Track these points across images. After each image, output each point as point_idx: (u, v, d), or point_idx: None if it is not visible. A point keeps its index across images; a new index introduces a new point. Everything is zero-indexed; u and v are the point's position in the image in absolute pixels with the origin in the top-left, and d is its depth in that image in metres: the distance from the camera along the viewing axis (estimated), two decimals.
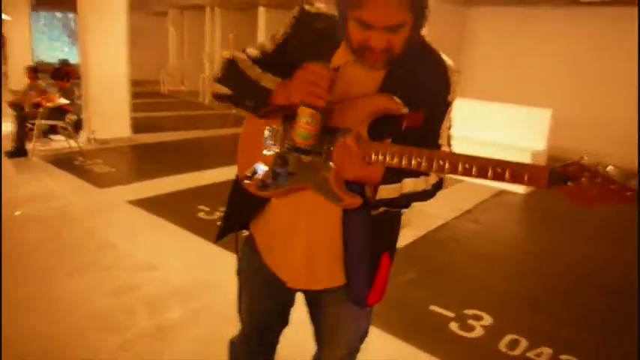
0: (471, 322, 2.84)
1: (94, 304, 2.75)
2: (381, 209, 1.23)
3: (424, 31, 1.17)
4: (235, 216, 1.40)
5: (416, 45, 1.15)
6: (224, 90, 1.25)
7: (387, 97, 1.14)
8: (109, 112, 7.14)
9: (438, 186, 1.25)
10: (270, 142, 1.25)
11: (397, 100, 1.13)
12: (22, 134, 5.94)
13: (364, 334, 1.46)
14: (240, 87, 1.22)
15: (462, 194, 5.59)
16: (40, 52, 16.10)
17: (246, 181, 1.28)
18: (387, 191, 1.17)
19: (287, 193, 1.25)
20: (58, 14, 17.26)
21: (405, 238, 4.07)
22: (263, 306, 1.46)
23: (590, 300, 3.33)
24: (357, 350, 1.48)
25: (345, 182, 1.17)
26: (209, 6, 12.95)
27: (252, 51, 1.27)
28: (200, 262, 3.34)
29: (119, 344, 2.38)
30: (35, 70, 7.34)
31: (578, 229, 4.88)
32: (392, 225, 1.36)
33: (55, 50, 16.74)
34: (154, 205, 4.39)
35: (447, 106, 1.21)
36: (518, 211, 5.45)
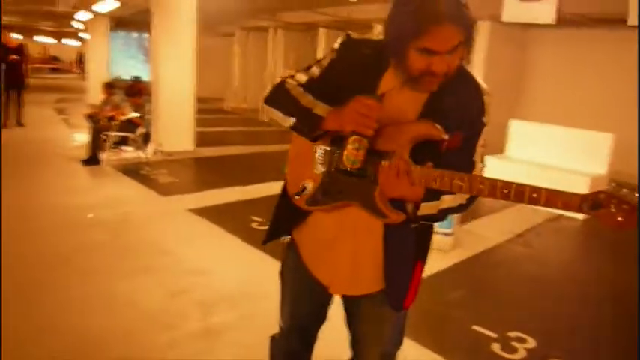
0: (514, 343, 2.81)
1: (149, 303, 2.95)
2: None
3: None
4: (281, 224, 1.53)
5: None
6: (278, 114, 1.37)
7: (429, 124, 1.23)
8: (175, 127, 7.57)
9: (473, 199, 1.32)
10: (320, 161, 1.36)
11: (438, 127, 1.22)
12: (97, 144, 6.41)
13: (399, 341, 1.54)
14: (294, 113, 1.33)
15: (516, 218, 5.48)
16: (118, 68, 17.42)
17: (296, 197, 1.40)
18: (427, 208, 1.28)
19: (333, 209, 1.37)
20: (135, 34, 18.61)
21: (455, 258, 4.06)
22: (304, 307, 1.58)
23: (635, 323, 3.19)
24: (392, 355, 1.55)
25: (389, 200, 1.27)
26: (272, 28, 13.44)
27: (301, 76, 1.39)
28: (251, 270, 3.50)
29: (168, 343, 2.55)
30: (111, 86, 7.91)
31: (634, 257, 4.65)
32: (426, 235, 1.45)
33: (130, 67, 18.06)
34: (211, 214, 4.63)
35: (482, 126, 1.30)
36: (573, 237, 5.26)
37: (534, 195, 1.10)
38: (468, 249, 4.29)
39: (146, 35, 17.68)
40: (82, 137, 8.13)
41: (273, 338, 1.69)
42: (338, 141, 1.31)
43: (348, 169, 1.28)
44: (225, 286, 3.23)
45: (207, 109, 13.84)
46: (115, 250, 3.72)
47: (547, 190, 1.09)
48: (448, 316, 3.14)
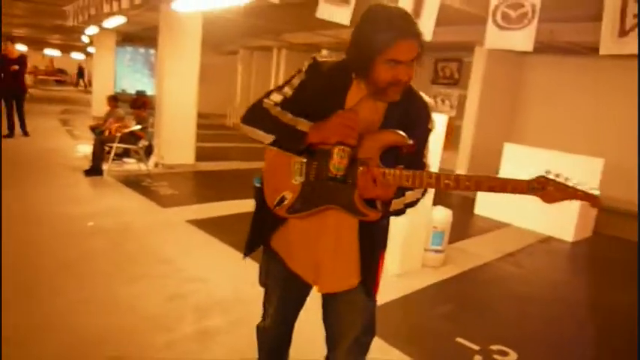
0: (495, 356, 2.91)
1: (147, 308, 3.06)
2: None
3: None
4: (258, 235, 1.71)
5: None
6: (258, 133, 1.54)
7: (397, 133, 1.43)
8: (176, 140, 7.74)
9: (425, 192, 1.58)
10: (298, 172, 1.53)
11: (403, 134, 1.42)
12: (100, 155, 6.56)
13: (373, 330, 1.70)
14: (276, 130, 1.50)
15: (508, 238, 5.62)
16: (124, 82, 18.25)
17: (277, 207, 1.56)
18: (396, 204, 1.49)
19: (311, 215, 1.54)
20: (141, 50, 19.07)
21: (444, 274, 4.18)
22: (289, 302, 1.78)
23: (620, 346, 3.29)
24: (367, 344, 1.70)
25: (365, 200, 1.46)
26: (277, 47, 13.71)
27: (276, 96, 1.56)
28: (244, 278, 3.59)
29: (165, 343, 2.66)
30: (115, 99, 8.11)
31: (620, 278, 4.78)
32: (387, 229, 1.68)
33: (136, 81, 18.77)
34: (209, 225, 4.76)
35: (429, 132, 1.54)
36: (563, 258, 5.37)
37: (491, 184, 1.35)
38: (458, 266, 4.41)
39: (152, 51, 18.09)
40: (85, 148, 8.31)
41: (258, 327, 1.89)
42: (313, 153, 1.49)
43: (334, 175, 1.44)
44: (219, 292, 3.35)
45: (210, 125, 14.06)
46: (116, 258, 3.83)
47: (501, 178, 1.36)
48: (434, 328, 3.24)
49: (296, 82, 1.55)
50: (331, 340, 1.71)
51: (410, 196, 1.51)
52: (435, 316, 3.43)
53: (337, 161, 1.43)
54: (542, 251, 5.37)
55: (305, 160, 1.51)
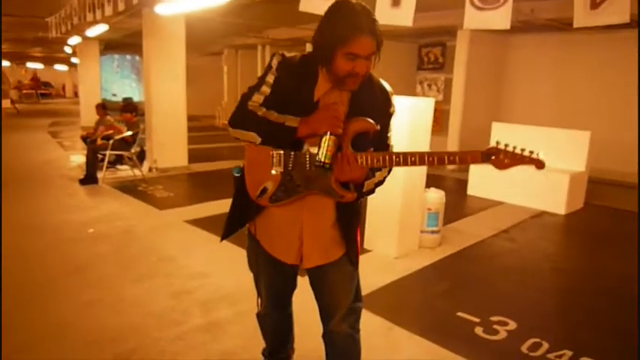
0: (495, 327, 3.02)
1: (155, 304, 3.14)
2: None
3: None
4: (236, 220, 1.83)
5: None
6: (247, 134, 1.62)
7: (365, 120, 1.58)
8: (168, 144, 7.80)
9: (390, 171, 1.73)
10: (276, 164, 1.64)
11: (372, 121, 1.57)
12: (93, 164, 6.60)
13: (360, 297, 1.87)
14: (266, 130, 1.59)
15: (501, 215, 5.73)
16: (113, 88, 19.32)
17: (259, 198, 1.67)
18: (368, 185, 1.65)
19: (293, 202, 1.66)
20: (128, 56, 19.39)
21: (440, 254, 4.29)
22: (277, 282, 1.91)
23: (615, 310, 3.41)
24: (359, 310, 1.87)
25: (340, 183, 1.61)
26: (260, 45, 13.74)
27: (258, 97, 1.64)
28: (246, 271, 3.65)
29: (176, 336, 2.74)
30: (104, 107, 8.13)
31: (613, 248, 4.91)
32: (360, 208, 1.83)
33: (126, 87, 19.61)
34: (207, 224, 4.84)
35: (391, 115, 1.71)
36: (556, 231, 5.49)
37: (451, 157, 1.52)
38: (454, 245, 4.51)
39: (138, 57, 18.13)
40: (77, 158, 8.34)
41: (258, 315, 2.04)
42: (299, 145, 1.60)
43: (323, 163, 1.55)
44: (223, 286, 3.43)
45: (200, 127, 14.09)
46: (120, 260, 3.91)
47: (459, 152, 1.54)
48: (434, 305, 3.35)
49: (270, 79, 1.63)
50: (326, 313, 1.84)
51: (379, 175, 1.68)
52: (435, 293, 3.53)
53: (326, 149, 1.54)
54: (536, 225, 5.49)
55: (282, 152, 1.62)
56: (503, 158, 1.50)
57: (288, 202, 1.65)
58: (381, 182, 1.70)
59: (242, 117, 1.63)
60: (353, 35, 1.45)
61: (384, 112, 1.67)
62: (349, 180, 1.59)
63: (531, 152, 1.50)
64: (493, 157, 1.51)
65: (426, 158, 1.51)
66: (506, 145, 1.51)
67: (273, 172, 1.63)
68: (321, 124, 1.53)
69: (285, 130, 1.56)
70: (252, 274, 1.96)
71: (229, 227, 1.83)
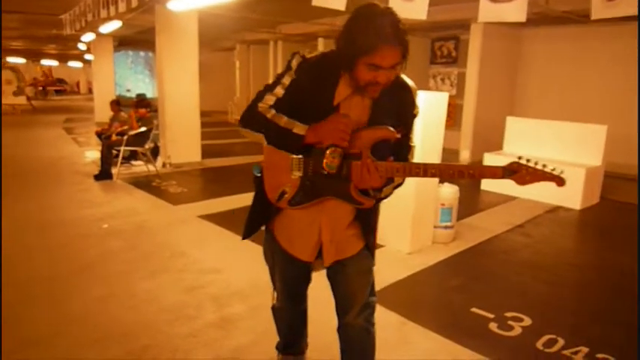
0: (510, 322, 2.99)
1: (168, 300, 3.16)
2: None
3: None
4: (256, 220, 1.84)
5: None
6: (256, 135, 1.63)
7: (384, 129, 1.55)
8: (182, 140, 7.84)
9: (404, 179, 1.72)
10: (296, 168, 1.64)
11: (392, 129, 1.55)
12: (108, 160, 6.66)
13: (374, 291, 1.88)
14: (274, 134, 1.59)
15: (516, 210, 5.67)
16: (128, 84, 19.91)
17: (279, 201, 1.68)
18: (386, 191, 1.65)
19: (311, 206, 1.66)
20: (142, 53, 19.65)
21: (455, 249, 4.26)
22: (292, 276, 1.91)
23: (631, 306, 3.35)
24: (374, 304, 1.88)
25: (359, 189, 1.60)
26: (273, 40, 13.73)
27: (270, 98, 1.63)
28: (259, 267, 3.65)
29: (189, 332, 2.75)
30: (118, 103, 8.20)
31: (629, 244, 4.82)
32: (378, 210, 1.85)
33: (140, 82, 20.17)
34: (220, 219, 4.86)
35: (414, 116, 1.67)
36: (571, 226, 5.42)
37: (470, 171, 1.48)
38: (468, 240, 4.48)
39: (152, 54, 18.27)
40: (92, 154, 8.43)
41: (274, 308, 2.05)
42: (309, 149, 1.58)
43: (327, 172, 1.57)
44: (236, 281, 3.44)
45: (212, 122, 14.14)
46: (133, 256, 3.93)
47: (479, 166, 1.51)
48: (448, 301, 3.32)
49: (286, 81, 1.61)
50: (343, 306, 1.85)
51: (397, 180, 1.67)
52: (449, 289, 3.51)
53: (330, 160, 1.55)
54: (551, 220, 5.42)
55: (302, 156, 1.62)
56: (525, 174, 1.48)
57: (308, 205, 1.66)
58: (399, 185, 1.70)
59: (251, 117, 1.63)
60: (375, 46, 1.39)
61: (408, 114, 1.65)
62: (369, 188, 1.59)
63: (553, 169, 1.47)
64: (514, 173, 1.48)
65: (445, 171, 1.52)
66: (527, 161, 1.48)
67: (293, 176, 1.63)
68: (326, 136, 1.52)
69: (292, 136, 1.55)
70: (267, 267, 1.96)
71: (250, 226, 1.84)
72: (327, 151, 1.54)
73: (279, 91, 1.61)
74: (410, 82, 1.65)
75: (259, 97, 1.64)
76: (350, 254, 1.75)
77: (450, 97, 4.55)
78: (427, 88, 10.64)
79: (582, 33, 8.29)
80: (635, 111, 7.67)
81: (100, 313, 2.97)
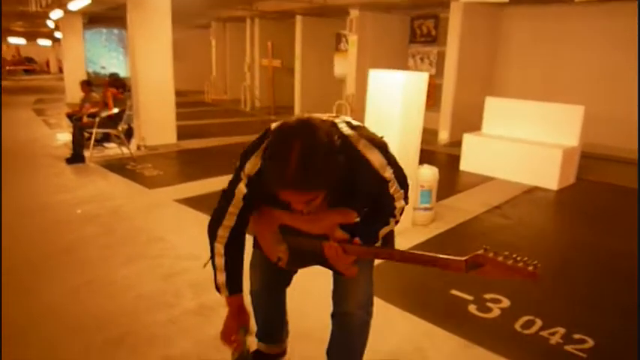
0: (489, 304, 3.01)
1: (145, 287, 3.09)
2: None
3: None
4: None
5: (344, 163, 1.36)
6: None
7: (341, 214, 1.55)
8: (156, 121, 7.64)
9: (397, 222, 1.71)
10: (280, 242, 1.72)
11: (350, 212, 1.55)
12: (80, 142, 6.47)
13: (372, 290, 1.87)
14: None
15: (494, 191, 5.71)
16: (102, 62, 20.10)
17: (277, 263, 1.76)
18: (372, 247, 1.62)
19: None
20: (115, 30, 19.30)
21: (434, 230, 4.26)
22: (273, 276, 1.96)
23: (609, 286, 3.42)
24: (372, 295, 1.86)
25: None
26: (249, 17, 13.45)
27: (223, 231, 1.68)
28: None
29: (168, 319, 2.70)
30: (89, 84, 7.96)
31: (606, 223, 4.91)
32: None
33: (114, 60, 20.21)
34: (197, 203, 4.77)
35: (387, 181, 1.54)
36: (549, 207, 5.49)
37: (434, 262, 1.39)
38: (447, 222, 4.49)
39: (124, 31, 17.75)
40: (63, 136, 8.19)
41: (251, 293, 2.01)
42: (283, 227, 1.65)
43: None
44: None
45: (188, 102, 13.86)
46: (109, 241, 3.84)
47: (443, 258, 1.37)
48: (428, 283, 3.33)
49: (243, 195, 1.61)
50: (340, 296, 1.82)
51: (385, 230, 1.65)
52: (428, 271, 3.46)
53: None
54: (528, 201, 5.48)
55: (278, 232, 1.70)
56: (491, 269, 1.30)
57: (304, 266, 1.78)
58: (392, 229, 1.75)
59: (210, 238, 1.72)
60: (277, 188, 1.31)
61: (371, 187, 1.54)
62: (344, 268, 1.59)
63: (525, 261, 1.25)
64: (478, 267, 1.31)
65: (408, 257, 1.46)
66: (495, 253, 1.29)
67: (280, 247, 1.72)
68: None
69: (218, 287, 1.76)
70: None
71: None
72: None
73: (233, 210, 1.64)
74: (374, 159, 1.49)
75: (216, 222, 1.68)
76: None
77: (430, 76, 4.50)
78: (406, 67, 10.57)
79: (563, 12, 8.29)
80: (612, 92, 7.77)
81: (78, 301, 2.89)
